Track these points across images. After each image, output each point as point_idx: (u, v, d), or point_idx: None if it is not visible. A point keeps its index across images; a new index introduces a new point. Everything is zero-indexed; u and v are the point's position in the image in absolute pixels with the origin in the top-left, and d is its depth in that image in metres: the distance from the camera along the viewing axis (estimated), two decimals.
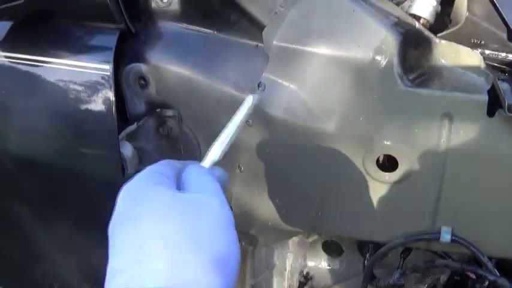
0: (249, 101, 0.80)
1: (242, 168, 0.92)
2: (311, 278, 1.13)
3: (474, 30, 0.93)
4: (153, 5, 0.92)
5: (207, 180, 0.62)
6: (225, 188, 0.68)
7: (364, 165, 0.88)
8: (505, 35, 0.93)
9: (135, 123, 0.93)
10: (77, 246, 1.08)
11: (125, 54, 0.94)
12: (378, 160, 0.89)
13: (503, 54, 0.94)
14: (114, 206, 0.96)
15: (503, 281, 0.89)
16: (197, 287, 0.51)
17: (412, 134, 0.86)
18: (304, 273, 1.13)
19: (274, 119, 0.88)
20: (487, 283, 0.96)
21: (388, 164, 0.90)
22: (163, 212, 0.54)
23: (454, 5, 0.97)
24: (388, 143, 0.87)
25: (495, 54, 0.94)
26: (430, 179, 0.89)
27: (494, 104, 0.85)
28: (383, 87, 0.84)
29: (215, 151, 0.72)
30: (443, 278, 1.08)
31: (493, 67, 0.92)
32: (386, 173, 0.88)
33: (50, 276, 1.17)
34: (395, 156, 0.87)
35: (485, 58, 0.93)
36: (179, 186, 0.62)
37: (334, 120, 0.86)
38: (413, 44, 0.88)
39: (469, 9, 0.91)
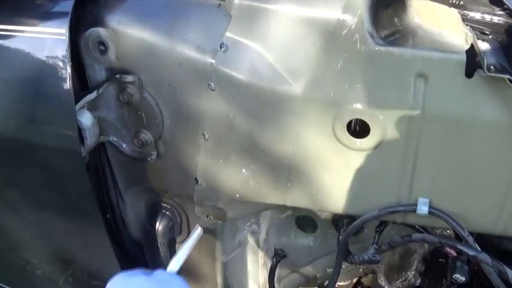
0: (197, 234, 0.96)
1: (206, 136, 0.87)
2: (284, 256, 1.07)
3: None
4: None
5: None
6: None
7: (335, 131, 0.83)
8: None
9: (95, 91, 0.88)
10: (48, 227, 1.03)
11: (84, 19, 0.89)
12: (349, 126, 0.84)
13: (484, 15, 0.89)
14: (73, 181, 0.92)
15: (484, 257, 0.83)
16: None
17: (384, 97, 0.80)
18: (278, 250, 1.07)
19: (237, 82, 0.82)
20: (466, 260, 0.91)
21: (361, 129, 0.84)
22: None
23: None
24: (359, 106, 0.81)
25: (476, 15, 0.89)
26: (405, 146, 0.83)
27: (472, 64, 0.80)
28: (352, 46, 0.79)
29: (184, 251, 0.90)
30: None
31: (473, 28, 0.87)
32: (358, 139, 0.83)
33: (31, 262, 1.14)
34: (366, 120, 0.81)
35: (465, 19, 0.88)
36: None
37: (301, 83, 0.81)
38: (385, 2, 0.82)
39: None
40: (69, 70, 0.84)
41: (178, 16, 0.86)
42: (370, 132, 0.82)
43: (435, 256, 1.05)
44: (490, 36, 0.86)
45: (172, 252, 1.01)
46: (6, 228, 1.09)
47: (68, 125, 0.87)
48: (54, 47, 0.86)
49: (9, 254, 1.15)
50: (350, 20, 0.78)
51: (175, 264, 0.86)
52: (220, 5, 0.84)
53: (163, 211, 1.00)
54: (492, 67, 0.76)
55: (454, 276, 0.90)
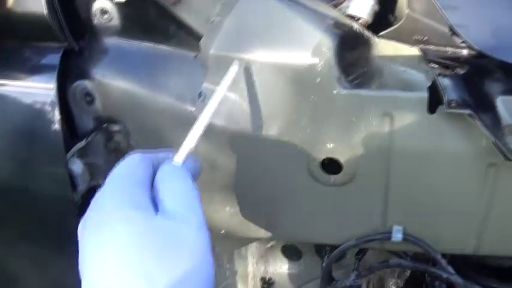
0: (233, 72, 0.80)
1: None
2: (273, 283, 1.13)
3: (416, 27, 0.92)
4: (95, 21, 0.93)
5: (182, 192, 0.60)
6: (198, 175, 0.68)
7: (309, 169, 0.88)
8: (447, 30, 0.93)
9: (84, 140, 0.94)
10: (43, 265, 1.09)
11: (71, 71, 0.94)
12: (324, 163, 0.90)
13: (447, 49, 0.94)
14: (67, 222, 0.96)
15: (456, 278, 0.89)
16: None
17: (353, 136, 0.86)
18: (266, 278, 1.14)
19: (216, 128, 0.87)
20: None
21: (334, 166, 0.90)
22: (139, 247, 0.52)
23: (398, 3, 0.97)
24: (330, 145, 0.87)
25: (439, 50, 0.94)
26: (376, 180, 0.88)
27: (434, 101, 0.85)
28: (321, 90, 0.84)
29: (189, 141, 0.70)
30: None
31: (438, 63, 0.92)
32: (332, 176, 0.88)
33: None
34: (338, 158, 0.87)
35: (430, 54, 0.93)
36: (153, 193, 0.59)
37: (275, 126, 0.86)
38: (351, 44, 0.87)
39: (409, 5, 0.90)
40: (58, 121, 0.90)
41: (158, 68, 0.91)
42: (343, 170, 0.87)
43: (414, 277, 1.11)
44: (455, 70, 0.92)
45: None
46: (3, 264, 1.14)
47: (60, 173, 0.92)
48: (44, 100, 0.92)
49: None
50: (318, 65, 0.83)
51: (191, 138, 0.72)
52: (195, 56, 0.90)
53: None
54: (453, 103, 0.82)
55: None
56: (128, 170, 0.60)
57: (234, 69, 0.82)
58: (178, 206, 0.58)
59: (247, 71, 0.85)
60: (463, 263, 1.07)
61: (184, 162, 0.67)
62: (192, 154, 0.70)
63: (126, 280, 0.50)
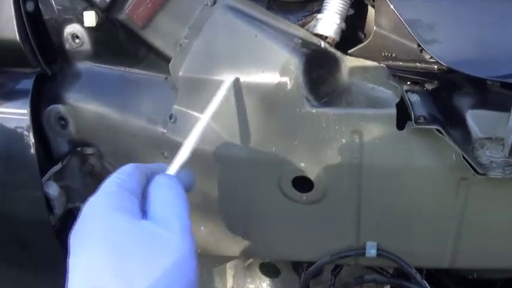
0: (224, 88, 0.82)
1: None
2: None
3: (384, 43, 0.93)
4: (67, 46, 0.93)
5: (169, 199, 0.62)
6: (192, 187, 0.71)
7: (281, 188, 0.89)
8: (415, 46, 0.94)
9: (60, 163, 0.95)
10: (24, 284, 1.09)
11: (44, 96, 0.95)
12: (296, 181, 0.90)
13: (416, 65, 0.95)
14: (45, 245, 0.97)
15: None
16: None
17: (324, 154, 0.86)
18: None
19: None
20: None
21: (306, 184, 0.90)
22: (120, 248, 0.54)
23: (367, 20, 0.98)
24: (301, 164, 0.87)
25: (408, 66, 0.94)
26: (348, 197, 0.89)
27: (403, 117, 0.86)
28: (290, 110, 0.85)
29: (183, 154, 0.72)
30: None
31: (407, 79, 0.92)
32: (304, 194, 0.89)
33: None
34: (309, 177, 0.88)
35: (399, 70, 0.93)
36: (143, 204, 0.61)
37: (246, 146, 0.87)
38: (319, 63, 0.88)
39: (376, 22, 0.91)
40: (33, 145, 0.91)
41: (130, 91, 0.92)
42: (314, 187, 0.88)
43: None
44: (424, 86, 0.92)
45: None
46: None
47: (36, 197, 0.93)
48: (19, 125, 0.92)
49: None
50: (286, 84, 0.84)
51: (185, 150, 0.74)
52: (166, 78, 0.90)
53: None
54: (421, 118, 0.82)
55: None
56: (121, 178, 0.62)
57: (226, 85, 0.83)
58: (164, 210, 0.60)
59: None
60: (444, 277, 1.08)
61: (177, 173, 0.70)
62: (186, 167, 0.72)
63: (104, 280, 0.52)
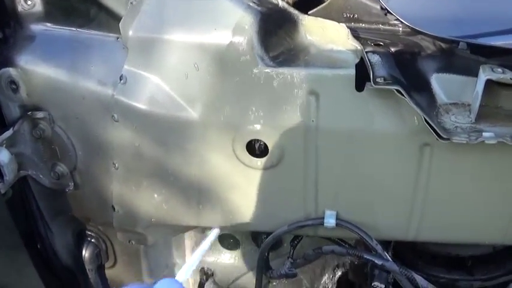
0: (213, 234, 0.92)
1: (116, 165, 0.89)
2: (212, 274, 1.10)
3: (345, 4, 0.90)
4: (19, 8, 0.90)
5: None
6: None
7: (235, 152, 0.85)
8: (378, 7, 0.90)
9: (11, 129, 0.92)
10: None
11: None
12: (251, 146, 0.86)
13: (379, 27, 0.91)
14: None
15: (391, 265, 0.85)
16: None
17: (279, 116, 0.82)
18: (205, 269, 1.10)
19: (138, 112, 0.84)
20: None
21: (261, 149, 0.86)
22: None
23: None
24: (256, 127, 0.83)
25: (370, 28, 0.90)
26: (305, 162, 0.85)
27: (362, 78, 0.82)
28: (244, 69, 0.81)
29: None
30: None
31: (369, 40, 0.88)
32: (258, 159, 0.85)
33: None
34: (264, 140, 0.84)
35: (361, 32, 0.90)
36: None
37: (198, 108, 0.83)
38: (275, 22, 0.84)
39: None
40: None
41: (80, 53, 0.89)
42: (269, 152, 0.84)
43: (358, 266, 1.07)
44: (388, 48, 0.88)
45: (101, 278, 1.04)
46: None
47: None
48: None
49: None
50: (240, 43, 0.80)
51: (183, 272, 0.84)
52: (117, 38, 0.87)
53: (89, 238, 1.03)
54: (381, 79, 0.78)
55: (373, 284, 0.92)
56: None
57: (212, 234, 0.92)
58: None
59: (169, 53, 0.83)
60: (412, 255, 1.04)
61: None
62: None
63: None
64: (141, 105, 0.84)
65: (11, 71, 0.91)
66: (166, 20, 0.83)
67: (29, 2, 0.90)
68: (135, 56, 0.84)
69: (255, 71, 0.81)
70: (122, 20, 0.84)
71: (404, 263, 0.98)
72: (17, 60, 0.91)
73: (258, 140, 0.85)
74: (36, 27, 0.92)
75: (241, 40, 0.80)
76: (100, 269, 1.05)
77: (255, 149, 0.86)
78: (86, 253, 1.03)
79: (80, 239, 1.04)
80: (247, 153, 0.84)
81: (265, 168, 0.85)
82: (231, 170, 0.86)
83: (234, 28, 0.80)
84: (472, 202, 0.87)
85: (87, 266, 1.03)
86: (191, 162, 0.87)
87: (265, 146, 0.84)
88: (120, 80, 0.85)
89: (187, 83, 0.83)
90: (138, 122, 0.86)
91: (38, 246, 1.02)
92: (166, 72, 0.84)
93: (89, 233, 1.03)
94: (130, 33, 0.84)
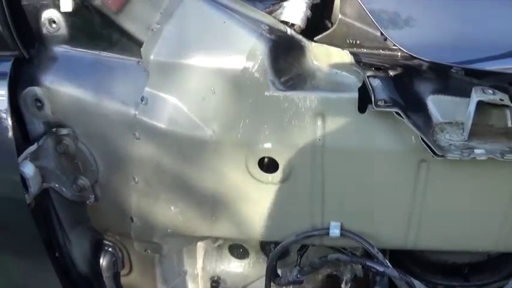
0: None
1: (136, 179, 0.96)
2: (221, 282, 1.16)
3: (348, 31, 0.97)
4: (44, 31, 0.96)
5: None
6: None
7: (248, 168, 0.92)
8: (379, 33, 0.98)
9: (36, 143, 0.98)
10: (4, 267, 1.11)
11: (22, 79, 0.98)
12: (262, 163, 0.93)
13: (380, 52, 0.99)
14: (21, 224, 0.98)
15: (391, 271, 0.92)
16: None
17: (288, 136, 0.90)
18: (215, 277, 1.16)
19: (158, 131, 0.91)
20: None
21: (272, 165, 0.94)
22: None
23: (334, 8, 1.02)
24: (267, 145, 0.91)
25: (372, 53, 0.98)
26: (312, 177, 0.92)
27: (364, 101, 0.89)
28: (256, 92, 0.88)
29: None
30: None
31: (370, 65, 0.96)
32: (269, 174, 0.92)
33: None
34: (275, 157, 0.91)
35: (363, 57, 0.97)
36: None
37: (214, 128, 0.90)
38: (285, 49, 0.92)
39: (341, 11, 0.95)
40: (10, 126, 0.93)
41: (103, 74, 0.95)
42: (279, 168, 0.91)
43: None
44: (387, 72, 0.96)
45: (117, 285, 1.10)
46: None
47: (13, 176, 0.96)
48: None
49: None
50: (253, 68, 0.88)
51: None
52: (139, 62, 0.94)
53: (106, 248, 1.09)
54: (381, 102, 0.86)
55: None
56: None
57: None
58: None
59: (187, 77, 0.90)
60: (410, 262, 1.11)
61: None
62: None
63: None
64: (161, 125, 0.91)
65: (37, 89, 0.97)
66: (185, 46, 0.90)
67: (54, 25, 0.97)
68: (155, 79, 0.91)
69: (266, 94, 0.88)
70: (143, 45, 0.91)
71: (404, 270, 1.05)
72: (42, 80, 0.98)
73: (269, 157, 0.92)
74: (61, 49, 0.98)
75: (254, 65, 0.87)
76: (116, 277, 1.11)
77: (266, 165, 0.93)
78: (103, 261, 1.09)
79: (98, 248, 1.10)
80: (259, 169, 0.92)
81: (275, 183, 0.92)
82: (244, 185, 0.93)
83: (247, 55, 0.87)
84: (466, 213, 0.95)
85: (104, 274, 1.09)
86: (206, 177, 0.94)
87: (276, 163, 0.92)
88: (142, 101, 0.91)
89: (204, 104, 0.91)
90: (158, 140, 0.92)
91: (57, 255, 1.08)
92: (185, 94, 0.91)
93: (107, 242, 1.10)
94: (152, 57, 0.90)
